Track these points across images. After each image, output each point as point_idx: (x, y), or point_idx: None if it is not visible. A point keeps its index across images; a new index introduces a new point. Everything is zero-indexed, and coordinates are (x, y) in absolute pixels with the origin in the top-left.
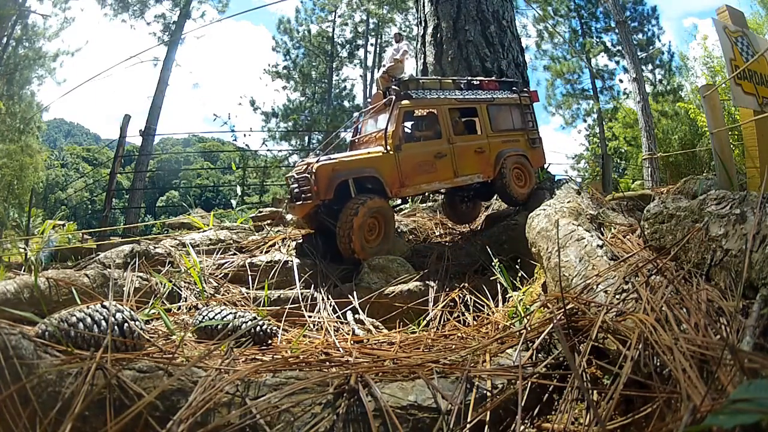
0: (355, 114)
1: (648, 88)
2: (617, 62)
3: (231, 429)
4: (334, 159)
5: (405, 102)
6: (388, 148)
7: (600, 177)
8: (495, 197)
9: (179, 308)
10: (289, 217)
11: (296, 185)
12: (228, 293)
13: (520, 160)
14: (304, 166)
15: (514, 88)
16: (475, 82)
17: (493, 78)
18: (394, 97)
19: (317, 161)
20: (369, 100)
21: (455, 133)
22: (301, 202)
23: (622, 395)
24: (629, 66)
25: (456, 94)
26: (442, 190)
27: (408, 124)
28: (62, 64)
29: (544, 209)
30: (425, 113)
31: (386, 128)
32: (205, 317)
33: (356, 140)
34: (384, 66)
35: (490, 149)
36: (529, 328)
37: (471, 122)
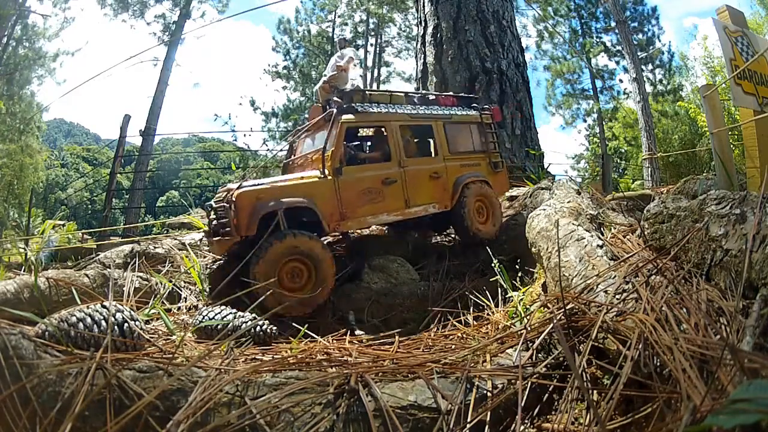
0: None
1: (648, 88)
2: (617, 62)
3: (231, 429)
4: (259, 185)
5: (348, 117)
6: (327, 171)
7: (600, 177)
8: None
9: (179, 308)
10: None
11: (215, 216)
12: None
13: (483, 190)
14: (224, 193)
15: (474, 105)
16: (430, 97)
17: (450, 93)
18: (335, 111)
19: (238, 187)
20: (306, 116)
21: (407, 155)
22: (219, 237)
23: (622, 395)
24: (629, 66)
25: (408, 109)
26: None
27: (352, 144)
28: (62, 64)
29: (544, 209)
30: (372, 131)
31: (324, 147)
32: (205, 317)
33: (290, 162)
34: (325, 76)
35: (447, 174)
36: (529, 328)
37: (425, 143)
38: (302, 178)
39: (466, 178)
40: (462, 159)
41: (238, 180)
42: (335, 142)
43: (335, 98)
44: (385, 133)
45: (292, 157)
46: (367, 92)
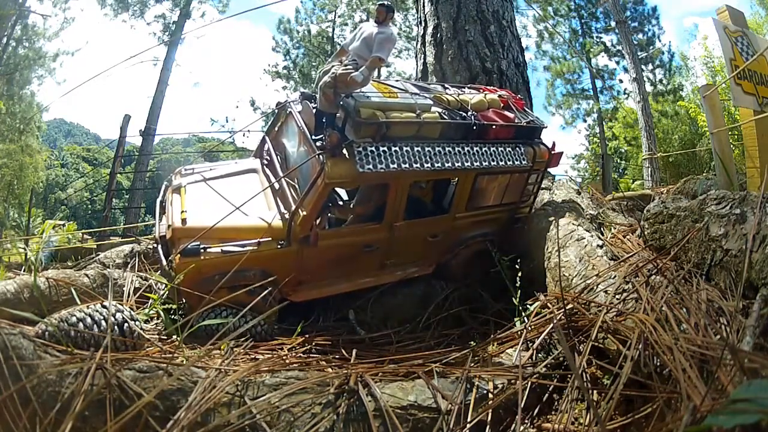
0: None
1: (648, 88)
2: (617, 62)
3: (231, 429)
4: (205, 250)
5: (337, 172)
6: (291, 237)
7: (600, 177)
8: None
9: None
10: None
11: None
12: None
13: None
14: (166, 227)
15: (533, 140)
16: (479, 121)
17: (513, 117)
18: (321, 157)
19: (179, 249)
20: (294, 107)
21: (406, 217)
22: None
23: (622, 395)
24: (629, 66)
25: (435, 155)
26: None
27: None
28: (62, 64)
29: (545, 209)
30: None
31: (297, 206)
32: (205, 317)
33: (266, 160)
34: (332, 68)
35: (451, 233)
36: (529, 328)
37: (439, 196)
38: (259, 243)
39: (468, 237)
40: (479, 215)
41: (182, 178)
42: (311, 203)
43: (330, 135)
44: (387, 188)
45: (268, 146)
46: (383, 122)
